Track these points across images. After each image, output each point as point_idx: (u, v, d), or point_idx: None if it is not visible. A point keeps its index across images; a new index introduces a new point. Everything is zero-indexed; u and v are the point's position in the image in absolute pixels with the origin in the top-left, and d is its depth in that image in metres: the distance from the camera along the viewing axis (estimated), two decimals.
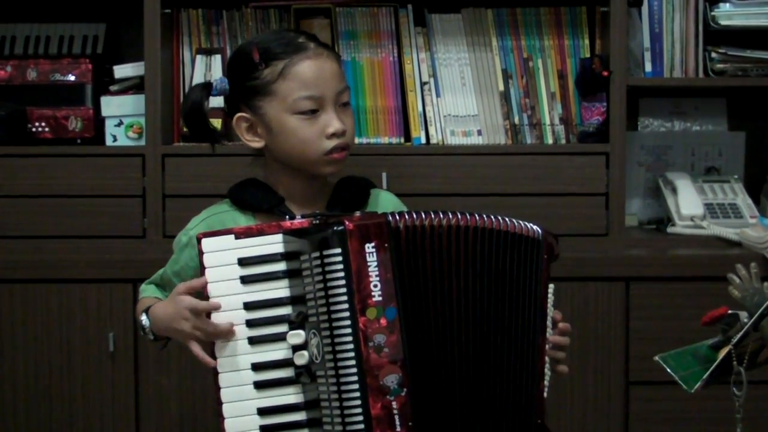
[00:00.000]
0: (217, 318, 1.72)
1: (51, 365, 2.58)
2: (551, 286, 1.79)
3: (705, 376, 1.74)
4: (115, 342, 2.56)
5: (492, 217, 1.74)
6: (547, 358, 1.77)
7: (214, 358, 1.72)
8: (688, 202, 2.75)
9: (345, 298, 1.63)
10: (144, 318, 1.86)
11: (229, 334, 1.71)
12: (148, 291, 1.99)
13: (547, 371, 1.78)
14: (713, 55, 2.76)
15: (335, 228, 1.64)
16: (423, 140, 2.75)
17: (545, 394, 1.77)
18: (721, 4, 2.76)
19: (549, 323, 1.79)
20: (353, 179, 2.00)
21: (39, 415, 2.57)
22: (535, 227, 1.77)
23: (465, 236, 1.71)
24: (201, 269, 1.73)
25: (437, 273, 1.70)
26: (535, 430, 1.75)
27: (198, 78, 2.73)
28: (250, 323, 1.71)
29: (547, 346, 1.77)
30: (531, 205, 2.62)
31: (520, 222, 1.76)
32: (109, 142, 2.74)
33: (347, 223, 1.65)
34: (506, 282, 1.74)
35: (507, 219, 1.75)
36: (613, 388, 2.56)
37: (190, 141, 2.69)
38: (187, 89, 2.73)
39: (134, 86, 2.77)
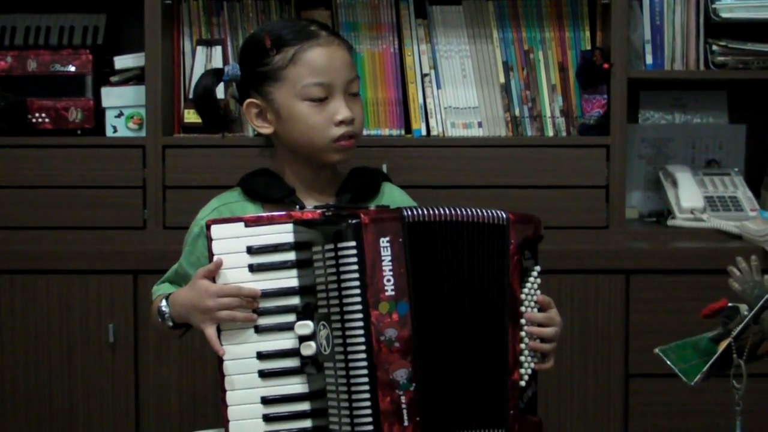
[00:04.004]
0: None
1: (51, 356, 2.57)
2: (537, 268, 1.78)
3: (705, 369, 1.74)
4: (115, 333, 2.56)
5: (464, 209, 1.73)
6: (523, 346, 1.75)
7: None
8: (688, 194, 2.75)
9: (358, 291, 1.63)
10: (164, 304, 1.83)
11: (252, 321, 1.72)
12: (162, 289, 1.95)
13: (527, 360, 1.76)
14: (714, 47, 2.76)
15: (350, 221, 1.64)
16: (423, 132, 2.74)
17: (522, 383, 1.74)
18: None
19: (528, 309, 1.77)
20: (365, 170, 2.00)
21: (39, 405, 2.57)
22: (500, 213, 1.75)
23: (462, 231, 1.72)
24: (209, 256, 1.73)
25: (443, 268, 1.70)
26: (510, 422, 1.72)
27: (198, 69, 2.72)
28: (257, 312, 1.71)
29: (523, 334, 1.75)
30: (531, 197, 2.62)
31: (485, 210, 1.74)
32: (109, 133, 2.73)
33: (362, 216, 1.65)
34: (479, 272, 1.73)
35: (475, 210, 1.73)
36: (613, 380, 2.57)
37: (192, 132, 2.69)
38: (187, 80, 2.73)
39: (135, 77, 2.77)
